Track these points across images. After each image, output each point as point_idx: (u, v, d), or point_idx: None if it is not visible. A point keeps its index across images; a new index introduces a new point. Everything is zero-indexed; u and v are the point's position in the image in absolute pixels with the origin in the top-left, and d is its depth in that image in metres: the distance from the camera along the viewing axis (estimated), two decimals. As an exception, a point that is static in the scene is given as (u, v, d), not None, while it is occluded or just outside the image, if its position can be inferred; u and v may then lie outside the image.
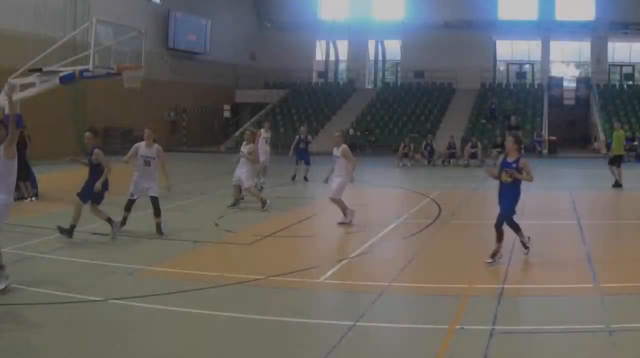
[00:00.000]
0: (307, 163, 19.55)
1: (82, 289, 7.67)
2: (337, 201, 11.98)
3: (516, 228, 8.96)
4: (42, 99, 18.00)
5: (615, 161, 18.08)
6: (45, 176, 18.00)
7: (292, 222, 12.27)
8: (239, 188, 13.90)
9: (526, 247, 9.07)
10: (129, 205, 11.04)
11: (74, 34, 18.27)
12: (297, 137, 20.25)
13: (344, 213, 11.90)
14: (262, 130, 18.36)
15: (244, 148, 13.88)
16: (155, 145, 11.02)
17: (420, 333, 6.33)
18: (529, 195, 16.47)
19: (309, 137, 20.89)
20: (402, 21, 40.32)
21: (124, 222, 10.88)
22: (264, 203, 13.44)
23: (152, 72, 21.65)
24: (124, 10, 27.14)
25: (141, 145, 11.05)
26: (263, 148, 17.40)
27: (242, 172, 13.60)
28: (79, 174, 14.61)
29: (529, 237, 9.11)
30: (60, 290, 7.57)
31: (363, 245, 10.22)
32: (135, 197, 11.07)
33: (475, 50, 38.09)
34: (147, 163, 10.92)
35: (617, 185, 17.73)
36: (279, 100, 38.75)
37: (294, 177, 19.48)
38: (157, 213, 10.89)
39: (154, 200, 10.89)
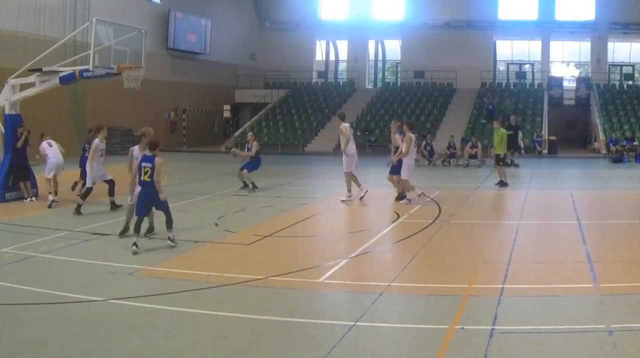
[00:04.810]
0: (249, 169, 16.81)
1: (82, 289, 7.68)
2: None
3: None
4: (42, 99, 18.01)
5: (499, 160, 18.19)
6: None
7: (292, 222, 12.27)
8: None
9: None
10: None
11: (74, 34, 18.25)
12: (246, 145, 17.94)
13: None
14: None
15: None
16: None
17: (420, 333, 6.33)
18: (530, 195, 16.58)
19: (255, 142, 17.21)
20: (402, 21, 40.31)
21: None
22: None
23: (152, 72, 21.65)
24: (124, 10, 27.17)
25: None
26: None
27: None
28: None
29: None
30: (60, 290, 7.59)
31: (363, 245, 10.23)
32: None
33: (475, 50, 38.12)
34: None
35: (503, 184, 17.78)
36: (279, 100, 38.74)
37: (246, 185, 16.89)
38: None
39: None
